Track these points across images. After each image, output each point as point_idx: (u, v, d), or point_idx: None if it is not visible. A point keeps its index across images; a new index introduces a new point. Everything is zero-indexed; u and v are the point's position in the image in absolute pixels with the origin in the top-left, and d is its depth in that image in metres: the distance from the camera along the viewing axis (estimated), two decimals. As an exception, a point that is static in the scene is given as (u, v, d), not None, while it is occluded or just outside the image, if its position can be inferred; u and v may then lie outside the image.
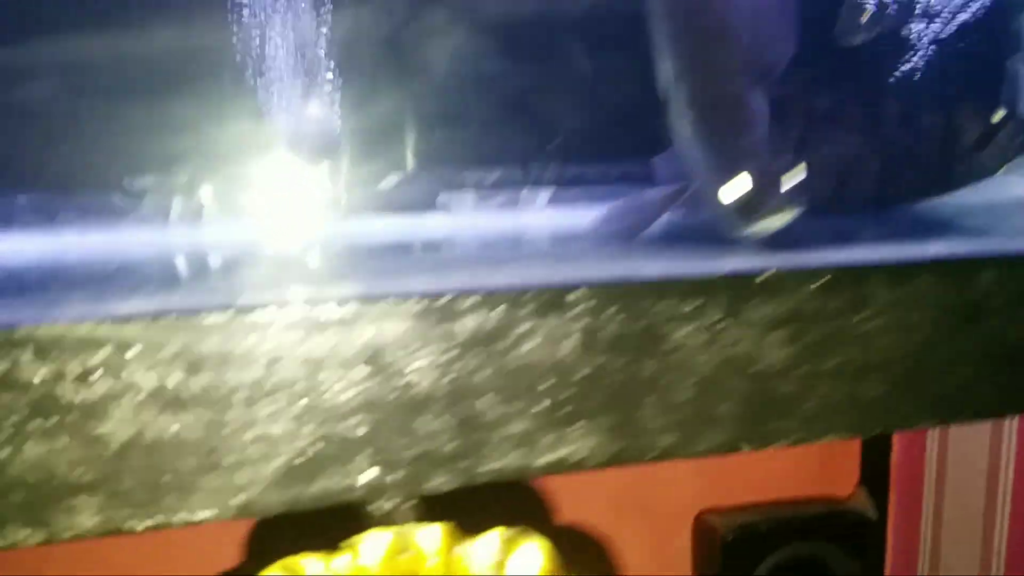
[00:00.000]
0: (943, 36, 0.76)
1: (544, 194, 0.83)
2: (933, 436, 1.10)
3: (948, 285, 0.33)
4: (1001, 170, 0.72)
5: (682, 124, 0.36)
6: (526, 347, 0.29)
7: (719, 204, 0.34)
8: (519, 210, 0.79)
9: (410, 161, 0.80)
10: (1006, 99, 0.74)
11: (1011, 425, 1.00)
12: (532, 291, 0.29)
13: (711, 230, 0.34)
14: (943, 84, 0.75)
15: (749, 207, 0.34)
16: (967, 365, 0.34)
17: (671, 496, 1.04)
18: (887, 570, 1.17)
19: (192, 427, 0.25)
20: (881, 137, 0.71)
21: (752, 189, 0.33)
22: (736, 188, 0.33)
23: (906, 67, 0.78)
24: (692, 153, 0.36)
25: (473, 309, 0.29)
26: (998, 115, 0.70)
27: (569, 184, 0.81)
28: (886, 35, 0.78)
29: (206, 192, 0.75)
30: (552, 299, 0.29)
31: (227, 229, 0.72)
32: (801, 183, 0.38)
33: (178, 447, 0.25)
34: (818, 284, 0.31)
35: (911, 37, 0.76)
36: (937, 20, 0.76)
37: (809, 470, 1.09)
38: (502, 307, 0.29)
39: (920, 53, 0.76)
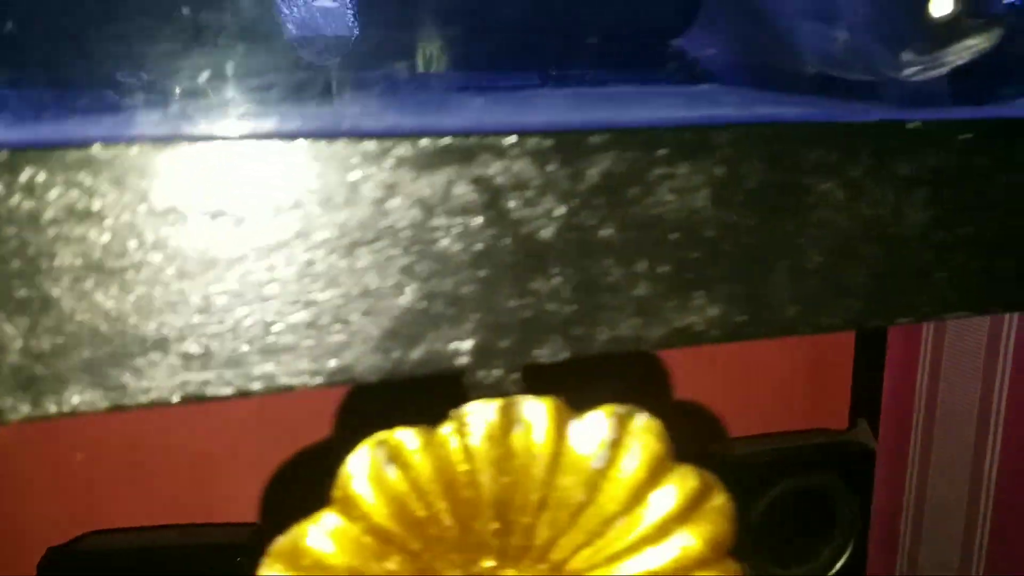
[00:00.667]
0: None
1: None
2: (924, 367, 1.10)
3: (1094, 148, 0.30)
4: None
5: None
6: (656, 197, 0.26)
7: (889, 36, 0.31)
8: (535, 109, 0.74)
9: (419, 62, 0.75)
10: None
11: (1006, 354, 1.00)
12: (669, 130, 0.25)
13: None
14: None
15: (951, 23, 0.30)
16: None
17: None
18: (874, 502, 1.18)
19: (288, 274, 0.21)
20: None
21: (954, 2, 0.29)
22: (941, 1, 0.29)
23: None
24: None
25: (603, 148, 0.25)
26: None
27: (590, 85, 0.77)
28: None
29: (206, 91, 0.69)
30: (692, 140, 0.25)
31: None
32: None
33: (267, 300, 0.21)
34: (966, 137, 0.28)
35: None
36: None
37: (802, 402, 1.09)
38: (634, 147, 0.25)
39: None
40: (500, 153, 0.24)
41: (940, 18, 0.30)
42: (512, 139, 0.24)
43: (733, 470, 0.95)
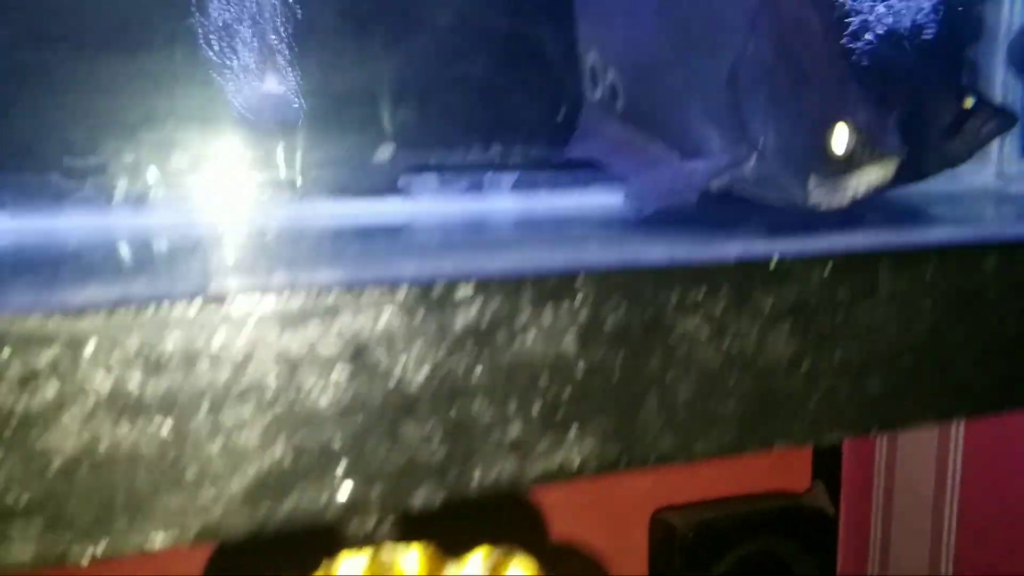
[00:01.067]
0: (908, 24, 0.77)
1: (509, 178, 0.81)
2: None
3: (953, 272, 0.32)
4: (971, 157, 0.74)
5: (754, 91, 0.34)
6: (523, 341, 0.27)
7: (796, 166, 0.33)
8: (484, 195, 0.76)
9: (370, 142, 0.77)
10: (973, 87, 0.75)
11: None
12: (531, 278, 0.26)
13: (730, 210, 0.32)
14: (913, 73, 0.75)
15: (850, 156, 0.32)
16: (968, 358, 0.32)
17: (626, 495, 1.03)
18: (839, 566, 1.18)
19: (150, 437, 0.22)
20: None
21: (853, 139, 0.32)
22: (841, 136, 0.32)
23: (877, 56, 0.78)
24: (763, 118, 0.34)
25: (468, 299, 0.26)
26: (967, 103, 0.71)
27: (535, 168, 0.79)
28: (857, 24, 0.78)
29: (153, 173, 0.70)
30: (554, 287, 0.27)
31: (178, 212, 0.67)
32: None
33: (133, 461, 0.22)
34: (826, 271, 0.30)
35: (878, 25, 0.77)
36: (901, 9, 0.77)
37: (762, 466, 1.10)
38: (499, 296, 0.26)
39: (888, 41, 0.76)
40: (365, 306, 0.25)
41: (840, 154, 0.32)
42: (376, 293, 0.25)
43: (692, 534, 0.95)
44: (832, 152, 0.33)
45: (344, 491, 0.25)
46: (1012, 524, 1.00)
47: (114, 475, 0.22)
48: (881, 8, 0.77)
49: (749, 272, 0.29)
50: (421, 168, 0.76)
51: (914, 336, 0.31)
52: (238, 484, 0.24)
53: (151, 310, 0.21)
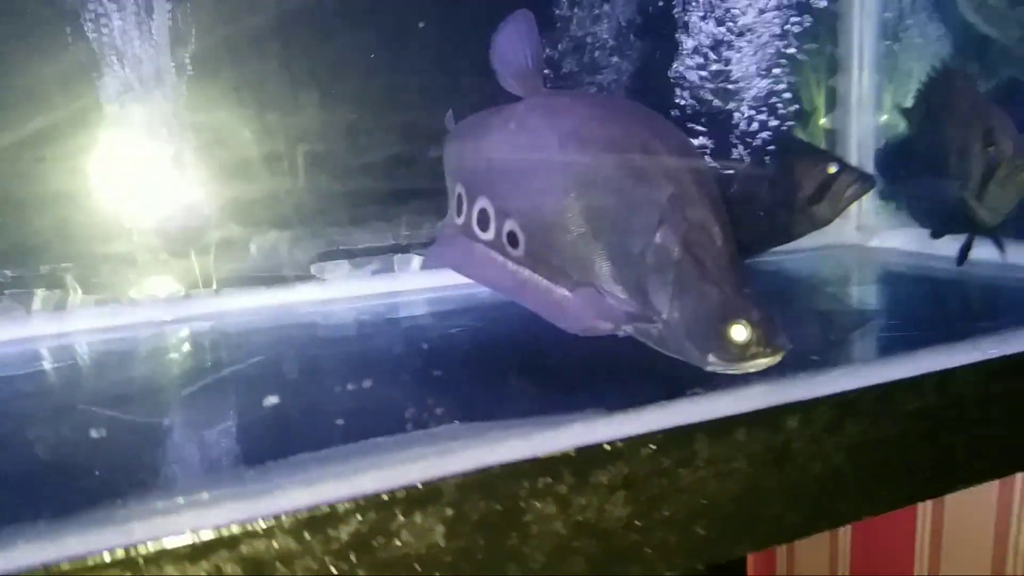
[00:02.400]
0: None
1: (418, 259, 0.86)
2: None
3: (760, 434, 0.38)
4: (836, 217, 0.82)
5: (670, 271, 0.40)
6: (398, 541, 0.32)
7: (698, 344, 0.39)
8: (394, 275, 0.81)
9: (281, 233, 0.81)
10: (835, 154, 0.83)
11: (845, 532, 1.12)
12: (400, 490, 0.32)
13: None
14: (782, 142, 0.83)
15: (746, 349, 0.38)
16: (778, 499, 0.39)
17: None
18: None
19: None
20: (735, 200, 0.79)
21: (754, 334, 0.38)
22: (740, 333, 0.38)
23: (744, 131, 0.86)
24: (668, 298, 0.40)
25: (347, 515, 0.31)
26: (831, 169, 0.79)
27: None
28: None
29: (69, 281, 0.73)
30: (419, 497, 0.32)
31: (93, 317, 0.70)
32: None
33: None
34: (651, 447, 0.36)
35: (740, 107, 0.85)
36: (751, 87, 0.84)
37: None
38: (373, 512, 0.32)
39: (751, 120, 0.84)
40: (260, 535, 0.30)
41: (738, 342, 0.39)
42: (267, 524, 0.30)
43: None
44: (732, 341, 0.39)
45: None
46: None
47: None
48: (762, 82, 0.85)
49: (586, 456, 0.35)
50: (332, 255, 0.81)
51: (731, 488, 0.38)
52: None
53: None
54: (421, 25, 0.74)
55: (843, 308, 0.64)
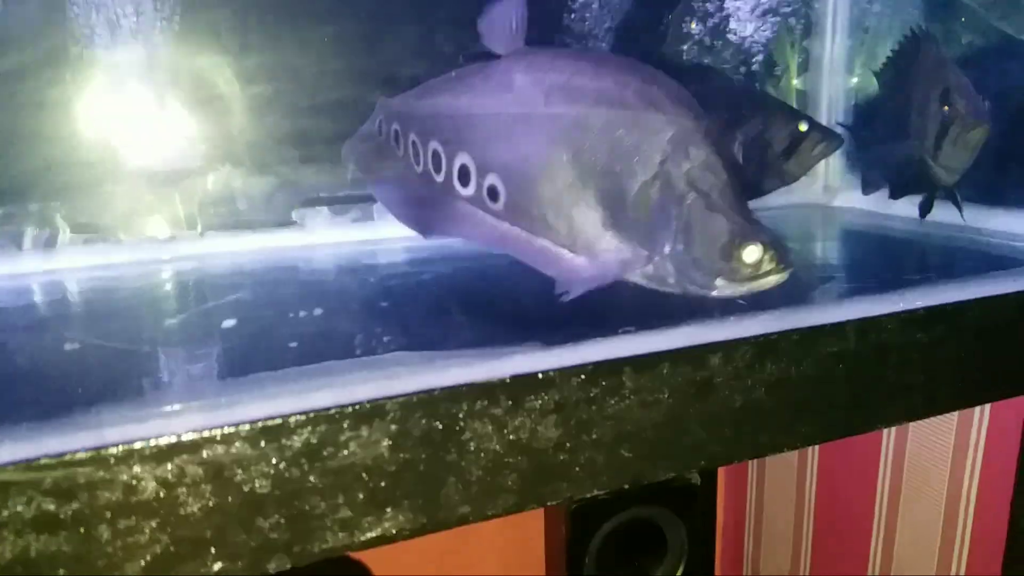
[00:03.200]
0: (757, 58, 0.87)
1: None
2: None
3: (684, 369, 0.42)
4: (804, 174, 0.85)
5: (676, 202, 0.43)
6: (346, 452, 0.36)
7: (706, 272, 0.42)
8: (373, 223, 0.84)
9: (263, 179, 0.83)
10: (805, 113, 0.86)
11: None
12: (348, 407, 0.36)
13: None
14: (755, 101, 0.85)
15: (757, 268, 0.42)
16: (700, 428, 0.43)
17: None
18: (719, 526, 1.33)
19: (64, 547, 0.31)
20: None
21: (766, 253, 0.42)
22: (752, 253, 0.42)
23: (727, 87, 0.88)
24: (671, 233, 0.43)
25: (300, 427, 0.35)
26: (801, 127, 0.81)
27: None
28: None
29: (58, 220, 0.76)
30: (366, 413, 0.36)
31: (82, 256, 0.74)
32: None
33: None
34: (580, 378, 0.40)
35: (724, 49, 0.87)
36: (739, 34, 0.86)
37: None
38: (323, 425, 0.35)
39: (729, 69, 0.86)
40: (219, 441, 0.34)
41: (750, 262, 0.42)
42: (228, 430, 0.34)
43: (573, 506, 1.07)
44: (744, 262, 0.42)
45: (215, 567, 0.35)
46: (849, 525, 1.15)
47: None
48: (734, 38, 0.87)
49: (521, 383, 0.39)
50: (313, 202, 0.83)
51: (654, 416, 0.42)
52: (134, 568, 0.33)
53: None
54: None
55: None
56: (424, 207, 0.55)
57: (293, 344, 0.42)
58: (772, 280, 0.42)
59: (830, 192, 0.90)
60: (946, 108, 0.68)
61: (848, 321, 0.47)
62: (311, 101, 0.83)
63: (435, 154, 0.54)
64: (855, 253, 0.71)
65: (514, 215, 0.49)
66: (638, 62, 0.48)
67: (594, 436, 0.41)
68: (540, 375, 0.39)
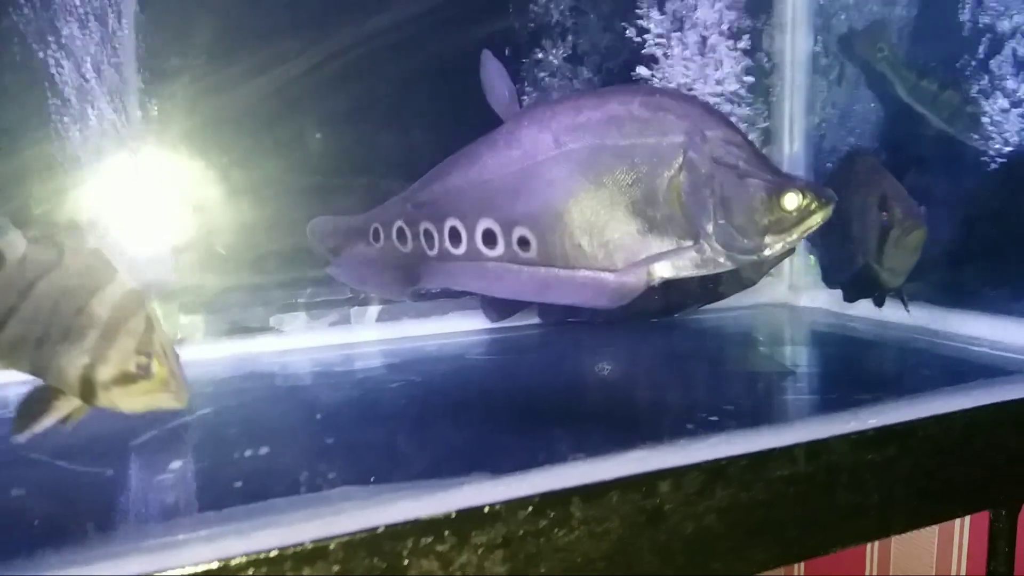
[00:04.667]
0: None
1: (373, 310, 0.90)
2: None
3: (633, 497, 0.42)
4: (761, 280, 0.87)
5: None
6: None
7: (752, 231, 0.46)
8: (350, 327, 0.85)
9: (242, 286, 0.84)
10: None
11: None
12: (291, 548, 0.36)
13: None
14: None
15: (801, 212, 0.46)
16: (651, 557, 0.43)
17: None
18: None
19: None
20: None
21: (805, 197, 0.46)
22: (793, 200, 0.46)
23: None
24: (708, 209, 0.47)
25: (241, 571, 0.35)
26: None
27: (396, 301, 0.88)
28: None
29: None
30: (308, 554, 0.36)
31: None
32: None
33: None
34: (528, 510, 0.40)
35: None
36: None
37: None
38: (265, 568, 0.35)
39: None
40: None
41: (792, 208, 0.45)
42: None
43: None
44: (785, 210, 0.45)
45: None
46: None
47: None
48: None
49: (466, 518, 0.39)
50: (290, 307, 0.84)
51: (604, 547, 0.42)
52: None
53: None
54: (317, 136, 0.78)
55: (747, 370, 0.68)
56: (462, 273, 0.56)
57: (238, 484, 0.42)
58: (819, 217, 0.46)
59: (795, 291, 0.92)
60: (884, 214, 0.71)
61: (798, 444, 0.47)
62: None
63: (453, 231, 0.55)
64: (814, 361, 0.72)
65: (549, 256, 0.51)
66: (638, 85, 0.52)
67: (542, 570, 0.41)
68: (487, 509, 0.39)
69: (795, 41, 0.91)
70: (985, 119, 0.83)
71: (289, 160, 0.82)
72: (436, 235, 0.57)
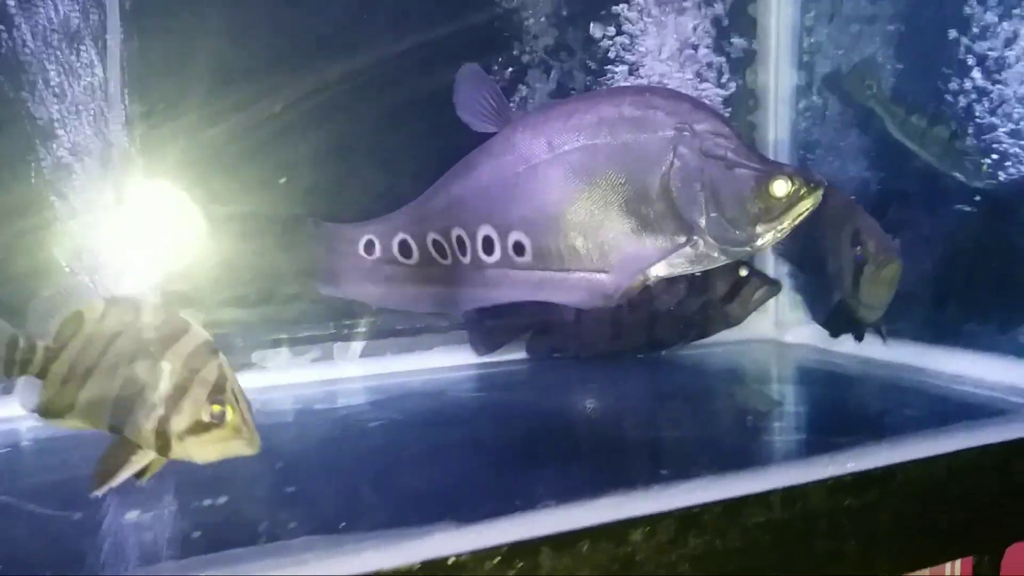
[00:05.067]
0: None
1: (357, 345, 0.89)
2: None
3: (605, 546, 0.42)
4: (747, 316, 0.87)
5: None
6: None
7: (744, 222, 0.47)
8: (334, 362, 0.84)
9: (223, 322, 0.83)
10: (746, 261, 0.88)
11: None
12: None
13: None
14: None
15: (791, 198, 0.47)
16: (622, 607, 0.42)
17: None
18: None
19: None
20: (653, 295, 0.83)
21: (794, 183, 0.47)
22: (782, 186, 0.47)
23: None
24: (698, 204, 0.48)
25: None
26: (742, 272, 0.84)
27: (381, 336, 0.88)
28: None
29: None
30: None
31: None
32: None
33: None
34: (496, 561, 0.39)
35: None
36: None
37: None
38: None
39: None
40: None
41: (781, 196, 0.46)
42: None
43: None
44: (774, 197, 0.45)
45: None
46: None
47: None
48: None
49: (432, 569, 0.38)
50: (273, 343, 0.83)
51: (574, 597, 0.41)
52: None
53: None
54: (282, 180, 0.78)
55: (727, 410, 0.68)
56: (452, 289, 0.57)
57: (197, 534, 0.42)
58: (808, 203, 0.46)
59: (781, 327, 0.92)
60: (857, 249, 0.71)
61: (774, 490, 0.47)
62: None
63: (459, 239, 0.55)
64: (795, 400, 0.72)
65: (544, 260, 0.51)
66: (631, 85, 0.52)
67: (522, 615, 0.40)
68: (452, 559, 0.39)
69: (779, 76, 0.91)
70: (972, 155, 0.83)
71: (272, 195, 0.81)
72: (446, 245, 0.57)
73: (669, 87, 0.52)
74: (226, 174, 0.77)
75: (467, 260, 0.55)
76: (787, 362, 0.84)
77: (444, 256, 0.57)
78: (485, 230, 0.54)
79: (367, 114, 0.81)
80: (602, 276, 0.50)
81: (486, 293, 0.55)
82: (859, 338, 0.76)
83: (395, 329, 0.88)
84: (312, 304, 0.87)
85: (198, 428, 0.40)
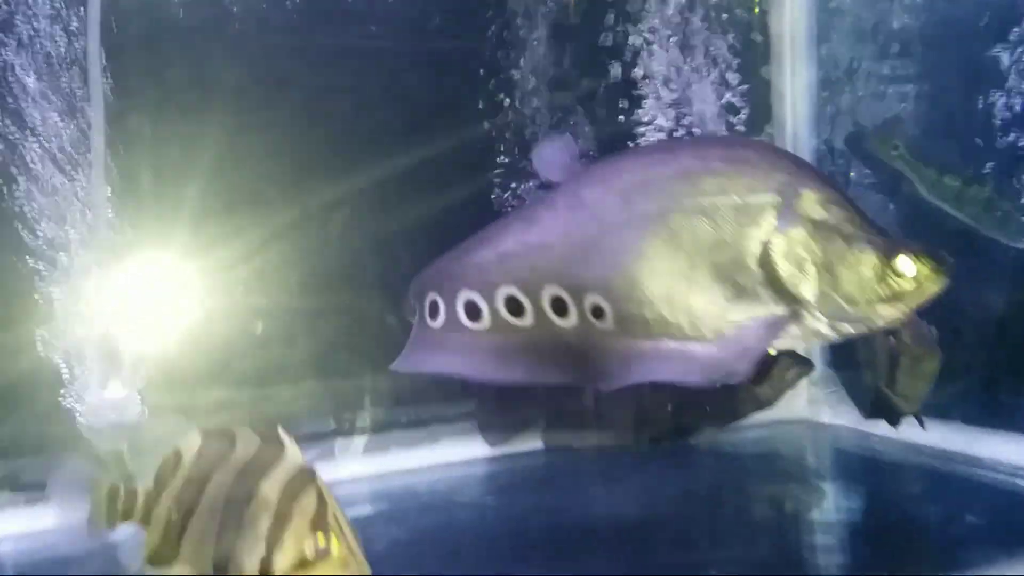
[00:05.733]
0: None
1: (359, 441, 0.84)
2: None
3: None
4: (779, 398, 0.81)
5: None
6: None
7: (863, 296, 0.42)
8: (335, 460, 0.78)
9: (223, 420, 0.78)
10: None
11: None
12: None
13: None
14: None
15: (917, 282, 0.42)
16: None
17: None
18: None
19: None
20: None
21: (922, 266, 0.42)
22: (907, 264, 0.42)
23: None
24: (819, 269, 0.43)
25: None
26: (771, 352, 0.78)
27: (384, 429, 0.83)
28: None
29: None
30: None
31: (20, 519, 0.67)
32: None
33: None
34: None
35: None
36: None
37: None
38: None
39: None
40: None
41: (909, 275, 0.41)
42: None
43: None
44: (899, 275, 0.41)
45: None
46: None
47: None
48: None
49: None
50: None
51: None
52: None
53: None
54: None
55: (755, 521, 0.61)
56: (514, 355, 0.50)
57: None
58: (934, 289, 0.41)
59: (815, 405, 0.85)
60: (892, 340, 0.65)
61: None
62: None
63: (510, 299, 0.49)
64: (832, 507, 0.65)
65: (627, 326, 0.46)
66: (715, 135, 0.47)
67: None
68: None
69: (797, 140, 0.87)
70: (1016, 214, 0.77)
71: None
72: (485, 307, 0.50)
73: (761, 140, 0.46)
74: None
75: (529, 321, 0.50)
76: (822, 450, 0.78)
77: (478, 320, 0.50)
78: (552, 290, 0.49)
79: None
80: (698, 347, 0.45)
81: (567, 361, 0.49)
82: (895, 425, 0.70)
83: (399, 421, 0.83)
84: (311, 399, 0.82)
85: (303, 565, 0.36)
